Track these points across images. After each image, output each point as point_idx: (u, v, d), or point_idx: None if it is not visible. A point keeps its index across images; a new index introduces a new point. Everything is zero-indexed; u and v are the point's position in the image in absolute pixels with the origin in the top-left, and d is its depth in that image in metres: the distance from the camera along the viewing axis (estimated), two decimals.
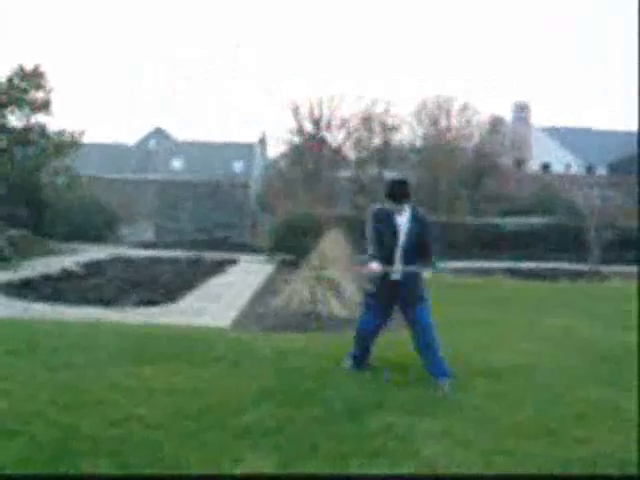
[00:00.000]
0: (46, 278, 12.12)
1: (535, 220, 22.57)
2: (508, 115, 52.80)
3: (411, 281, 6.05)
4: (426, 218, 6.16)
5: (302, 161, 26.65)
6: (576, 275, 15.83)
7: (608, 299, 12.07)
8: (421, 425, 4.82)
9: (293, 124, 27.30)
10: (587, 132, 62.01)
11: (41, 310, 9.12)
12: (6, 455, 4.04)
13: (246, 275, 14.37)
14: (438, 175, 25.44)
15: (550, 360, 7.04)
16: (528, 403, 5.45)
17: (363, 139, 27.43)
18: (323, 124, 27.19)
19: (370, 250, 6.16)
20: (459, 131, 29.37)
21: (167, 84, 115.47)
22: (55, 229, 20.45)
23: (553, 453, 4.37)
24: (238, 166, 60.08)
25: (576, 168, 55.39)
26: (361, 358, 6.33)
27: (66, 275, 12.76)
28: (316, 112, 27.04)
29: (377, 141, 27.75)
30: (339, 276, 10.43)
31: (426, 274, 6.11)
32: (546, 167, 53.65)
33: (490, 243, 21.42)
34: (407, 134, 29.67)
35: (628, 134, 51.85)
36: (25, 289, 10.81)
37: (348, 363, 6.35)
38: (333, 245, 11.34)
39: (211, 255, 18.38)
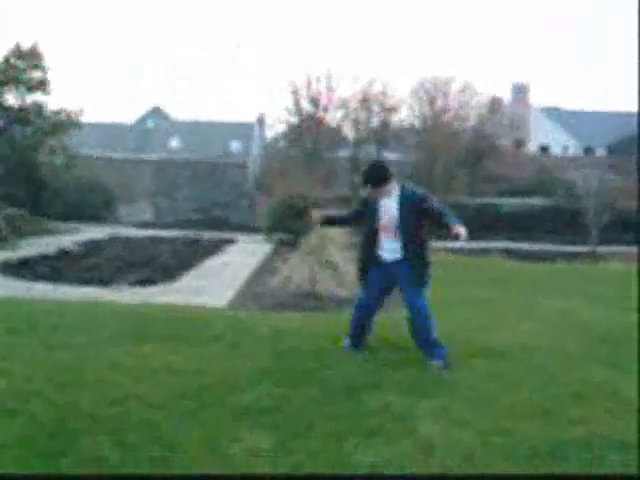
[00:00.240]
0: (44, 257, 12.13)
1: (533, 201, 22.57)
2: (507, 96, 52.63)
3: (410, 262, 6.01)
4: (417, 191, 5.99)
5: (300, 141, 26.58)
6: (574, 256, 15.84)
7: (606, 280, 12.09)
8: (418, 405, 4.84)
9: (291, 104, 27.22)
10: (586, 113, 61.81)
11: (40, 289, 9.13)
12: (6, 434, 4.05)
13: (244, 255, 14.37)
14: (436, 156, 25.43)
15: (548, 341, 7.05)
16: (526, 383, 5.47)
17: (361, 119, 27.36)
18: (321, 104, 27.10)
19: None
20: (457, 112, 29.28)
21: (167, 83, 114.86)
22: (53, 208, 20.43)
23: (550, 433, 4.38)
24: (236, 146, 59.93)
25: (573, 150, 55.28)
26: (359, 338, 6.33)
27: (64, 255, 12.77)
28: (314, 91, 26.94)
29: (375, 121, 27.69)
30: (337, 256, 10.42)
31: (461, 240, 5.74)
32: (545, 149, 53.56)
33: (488, 224, 21.39)
34: (406, 114, 29.61)
35: (627, 115, 51.68)
36: (23, 268, 10.82)
37: (346, 343, 6.37)
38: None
39: (209, 235, 18.39)
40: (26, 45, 20.46)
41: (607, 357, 6.44)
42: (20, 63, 20.32)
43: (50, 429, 4.16)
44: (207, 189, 24.67)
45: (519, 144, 38.46)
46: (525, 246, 18.15)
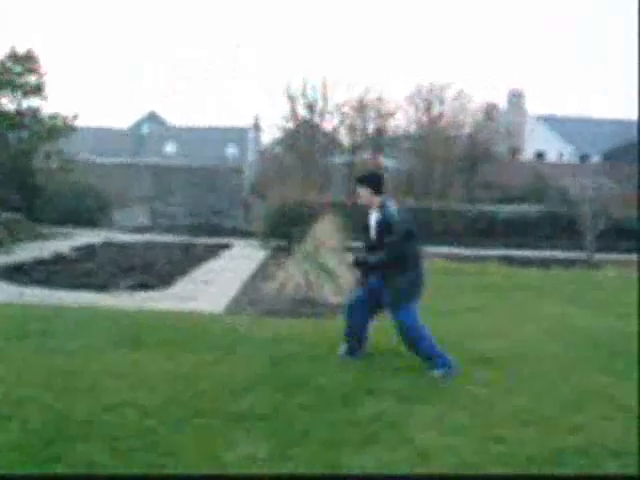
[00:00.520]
0: (39, 262, 12.08)
1: (529, 208, 22.58)
2: (503, 103, 52.71)
3: (386, 282, 6.01)
4: (389, 215, 5.98)
5: (296, 146, 26.57)
6: (569, 263, 15.85)
7: (602, 287, 12.08)
8: (415, 412, 4.83)
9: (287, 109, 27.20)
10: (582, 120, 61.95)
11: (34, 294, 9.09)
12: (0, 440, 4.03)
13: (240, 260, 14.35)
14: (432, 163, 25.45)
15: (545, 347, 7.05)
16: (522, 390, 5.47)
17: (357, 125, 27.37)
18: (317, 110, 27.09)
19: None
20: (452, 118, 29.29)
21: (166, 84, 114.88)
22: (48, 213, 20.35)
23: (547, 441, 4.38)
24: (232, 151, 59.90)
25: (569, 157, 55.38)
26: (355, 345, 6.31)
27: (59, 259, 12.73)
28: (310, 98, 26.93)
29: (371, 127, 27.71)
30: (333, 262, 10.42)
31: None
32: (540, 155, 53.64)
33: (484, 230, 21.39)
34: (402, 120, 29.60)
35: (623, 122, 51.81)
36: (18, 273, 10.77)
37: (342, 349, 6.35)
38: (327, 231, 11.32)
39: (205, 240, 18.35)
40: (22, 49, 20.46)
41: (603, 364, 6.44)
42: (16, 67, 20.31)
43: (45, 435, 4.13)
44: (202, 194, 24.62)
45: (515, 151, 38.50)
46: (521, 253, 18.15)
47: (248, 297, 9.80)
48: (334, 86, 26.88)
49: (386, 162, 26.89)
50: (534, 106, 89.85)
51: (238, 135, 60.23)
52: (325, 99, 26.84)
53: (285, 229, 16.08)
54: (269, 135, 31.70)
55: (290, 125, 27.54)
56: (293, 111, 26.95)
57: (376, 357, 6.26)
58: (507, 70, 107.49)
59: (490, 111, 31.98)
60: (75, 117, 21.31)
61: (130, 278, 10.71)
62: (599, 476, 3.95)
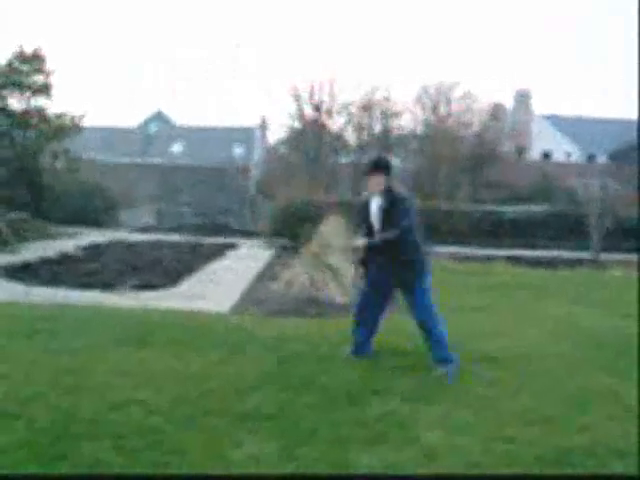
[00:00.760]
0: (45, 261, 12.11)
1: (535, 208, 22.52)
2: (509, 102, 52.60)
3: (399, 264, 5.98)
4: (395, 196, 5.96)
5: (303, 146, 26.58)
6: (575, 263, 15.81)
7: (607, 287, 12.05)
8: (421, 411, 4.82)
9: (294, 109, 27.20)
10: (588, 120, 61.75)
11: (41, 293, 9.11)
12: (6, 439, 4.04)
13: (246, 260, 14.36)
14: (439, 162, 25.43)
15: (549, 347, 7.03)
16: (528, 390, 5.45)
17: (364, 125, 27.37)
18: (324, 109, 27.09)
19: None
20: (459, 118, 29.27)
21: (167, 84, 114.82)
22: (55, 213, 20.39)
23: (553, 441, 4.36)
24: (238, 151, 59.82)
25: (575, 157, 55.22)
26: (362, 343, 6.30)
27: (66, 258, 12.75)
28: (316, 97, 26.93)
29: (378, 127, 27.70)
30: (339, 262, 10.41)
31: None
32: (547, 155, 53.52)
33: (490, 231, 21.34)
34: (409, 120, 29.59)
35: (628, 122, 51.64)
36: (24, 272, 10.80)
37: (349, 349, 6.34)
38: (333, 231, 11.30)
39: (211, 239, 18.37)
40: (29, 49, 20.51)
41: (608, 364, 6.42)
42: (23, 67, 20.36)
43: (51, 433, 4.14)
44: (209, 194, 24.69)
45: (521, 151, 38.44)
46: (528, 253, 18.12)
47: (254, 297, 9.80)
48: (341, 85, 26.93)
49: (393, 162, 26.85)
50: (541, 106, 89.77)
51: (245, 135, 60.17)
52: (332, 98, 26.85)
53: (291, 229, 16.08)
54: (275, 135, 31.76)
55: (297, 125, 27.56)
56: (300, 110, 26.97)
57: (382, 356, 6.25)
58: (514, 70, 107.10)
59: (496, 111, 31.96)
60: (82, 116, 21.37)
61: (136, 277, 10.73)
62: (605, 476, 3.94)
